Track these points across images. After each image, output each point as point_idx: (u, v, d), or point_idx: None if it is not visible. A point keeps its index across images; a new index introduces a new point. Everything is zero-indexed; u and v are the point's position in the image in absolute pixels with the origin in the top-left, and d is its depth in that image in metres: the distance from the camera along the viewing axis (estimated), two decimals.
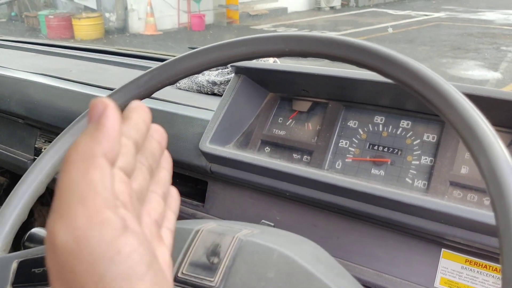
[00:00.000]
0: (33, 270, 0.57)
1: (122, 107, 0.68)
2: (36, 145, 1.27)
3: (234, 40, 0.63)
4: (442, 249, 0.77)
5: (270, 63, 0.91)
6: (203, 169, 0.92)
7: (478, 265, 0.75)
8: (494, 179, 0.40)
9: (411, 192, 0.73)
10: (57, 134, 1.14)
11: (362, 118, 0.88)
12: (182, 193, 1.07)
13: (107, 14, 10.33)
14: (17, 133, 1.34)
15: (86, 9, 10.54)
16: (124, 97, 0.68)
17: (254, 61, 0.92)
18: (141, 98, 0.69)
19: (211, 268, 0.50)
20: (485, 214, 0.66)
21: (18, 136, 1.32)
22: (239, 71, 0.91)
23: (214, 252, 0.51)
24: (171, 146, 0.94)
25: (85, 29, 9.54)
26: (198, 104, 1.05)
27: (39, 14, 10.13)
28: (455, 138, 0.79)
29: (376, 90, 0.83)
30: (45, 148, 1.23)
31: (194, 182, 1.08)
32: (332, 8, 13.93)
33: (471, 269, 0.75)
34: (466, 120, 0.44)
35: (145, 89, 0.68)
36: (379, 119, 0.87)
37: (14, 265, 0.58)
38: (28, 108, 1.22)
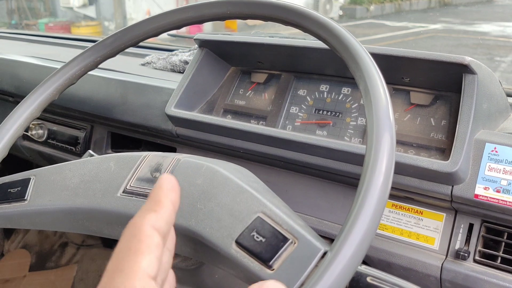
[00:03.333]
0: (9, 190, 0.68)
1: (91, 65, 0.80)
2: None
3: (184, 6, 0.75)
4: None
5: (228, 35, 1.03)
6: (169, 133, 1.03)
7: (402, 208, 0.86)
8: (367, 95, 0.52)
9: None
10: (45, 111, 1.26)
11: (310, 87, 0.99)
12: None
13: (106, 23, 10.47)
14: (7, 112, 1.44)
15: (86, 17, 10.68)
16: (92, 56, 0.80)
17: (214, 34, 1.03)
18: (107, 57, 0.80)
19: (153, 181, 0.61)
20: (406, 157, 0.77)
21: (8, 114, 1.43)
22: (202, 44, 1.03)
23: (156, 169, 0.62)
24: (142, 113, 1.06)
25: None
26: (169, 78, 1.17)
27: (39, 22, 10.27)
28: None
29: (321, 58, 0.93)
30: (33, 124, 1.35)
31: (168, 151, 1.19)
32: (330, 19, 14.05)
33: (396, 212, 0.86)
34: (352, 53, 0.56)
35: (111, 49, 0.79)
36: (324, 87, 0.98)
37: None
38: (17, 86, 1.33)
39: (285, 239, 0.49)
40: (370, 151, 0.48)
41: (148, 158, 0.65)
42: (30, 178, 0.68)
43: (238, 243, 0.51)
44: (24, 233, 2.23)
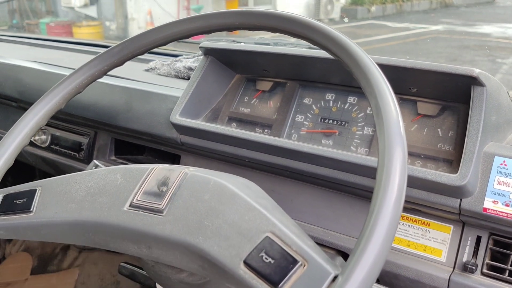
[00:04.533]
0: (15, 201, 0.67)
1: (98, 74, 0.79)
2: None
3: (193, 16, 0.75)
4: None
5: (233, 44, 1.02)
6: (174, 141, 1.03)
7: (409, 220, 0.85)
8: (378, 112, 0.51)
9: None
10: None
11: (316, 96, 0.99)
12: None
13: (107, 23, 10.47)
14: (10, 117, 1.44)
15: (87, 17, 10.67)
16: (99, 65, 0.79)
17: (220, 42, 1.03)
18: (115, 66, 0.80)
19: (160, 195, 0.61)
20: (414, 169, 0.76)
21: (11, 119, 1.43)
22: (207, 52, 1.02)
23: (163, 183, 0.62)
24: (146, 121, 1.05)
25: (85, 37, 9.67)
26: (174, 85, 1.16)
27: (40, 21, 10.27)
28: None
29: (327, 68, 0.93)
30: None
31: (171, 160, 1.19)
32: (331, 20, 14.04)
33: (403, 224, 0.86)
34: (362, 68, 0.55)
35: (118, 58, 0.79)
36: (330, 96, 0.97)
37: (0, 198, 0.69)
38: (20, 92, 1.32)
39: (294, 261, 0.48)
40: (381, 170, 0.48)
41: (155, 172, 0.64)
42: (36, 189, 0.68)
43: (246, 263, 0.50)
44: None
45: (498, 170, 0.72)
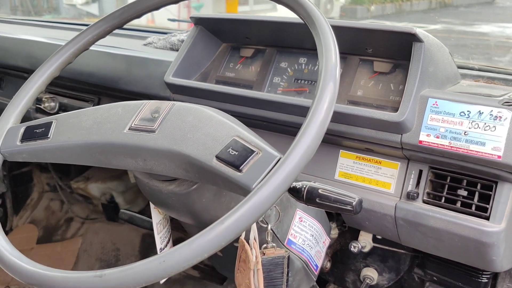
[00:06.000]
0: (35, 130, 0.83)
1: (102, 33, 0.95)
2: (38, 96, 1.53)
3: None
4: (340, 150, 1.03)
5: (219, 13, 1.18)
6: (168, 99, 1.18)
7: (364, 159, 1.01)
8: (320, 43, 0.67)
9: None
10: (56, 85, 1.40)
11: (291, 60, 1.14)
12: None
13: None
14: None
15: (88, 14, 10.81)
16: (103, 25, 0.95)
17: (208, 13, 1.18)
18: (116, 27, 0.96)
19: (153, 120, 0.76)
20: (363, 110, 0.91)
21: None
22: (197, 22, 1.18)
23: (156, 111, 0.78)
24: (144, 83, 1.21)
25: None
26: (169, 54, 1.32)
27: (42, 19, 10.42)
28: (352, 69, 1.05)
29: (301, 33, 1.08)
30: (45, 98, 1.50)
31: None
32: (330, 19, 14.13)
33: (359, 163, 1.01)
34: (312, 17, 0.71)
35: (119, 20, 0.94)
36: (302, 59, 1.13)
37: (22, 130, 0.84)
38: (32, 63, 1.48)
39: (252, 151, 0.64)
40: (319, 82, 0.64)
41: (149, 104, 0.80)
42: (52, 122, 0.83)
43: (218, 157, 0.66)
44: (32, 210, 2.38)
45: (431, 109, 0.88)
